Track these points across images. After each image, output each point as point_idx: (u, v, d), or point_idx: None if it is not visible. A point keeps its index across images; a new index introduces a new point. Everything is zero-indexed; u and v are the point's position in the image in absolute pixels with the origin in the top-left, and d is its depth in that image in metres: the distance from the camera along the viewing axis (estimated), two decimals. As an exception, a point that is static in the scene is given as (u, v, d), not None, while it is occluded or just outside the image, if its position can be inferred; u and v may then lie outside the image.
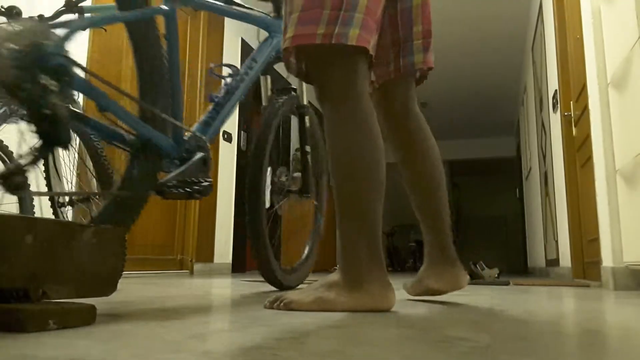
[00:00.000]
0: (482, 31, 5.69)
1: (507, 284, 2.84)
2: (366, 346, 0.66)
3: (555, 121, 3.99)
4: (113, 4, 2.08)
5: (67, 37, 1.03)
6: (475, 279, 3.11)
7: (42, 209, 2.12)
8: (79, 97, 1.81)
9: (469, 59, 6.44)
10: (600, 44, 2.45)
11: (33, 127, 0.95)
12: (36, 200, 2.08)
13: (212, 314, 1.04)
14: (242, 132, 5.23)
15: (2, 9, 1.94)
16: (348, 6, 1.15)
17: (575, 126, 3.26)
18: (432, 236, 1.42)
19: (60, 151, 2.06)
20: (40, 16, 1.98)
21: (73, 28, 1.07)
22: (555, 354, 0.63)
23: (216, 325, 0.86)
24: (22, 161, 0.96)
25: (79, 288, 0.84)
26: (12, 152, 2.12)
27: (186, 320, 0.91)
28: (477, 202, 12.29)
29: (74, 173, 2.23)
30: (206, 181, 1.46)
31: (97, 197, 1.88)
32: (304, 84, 2.05)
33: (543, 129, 4.87)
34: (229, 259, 4.75)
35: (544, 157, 4.92)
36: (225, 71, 1.80)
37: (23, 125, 1.55)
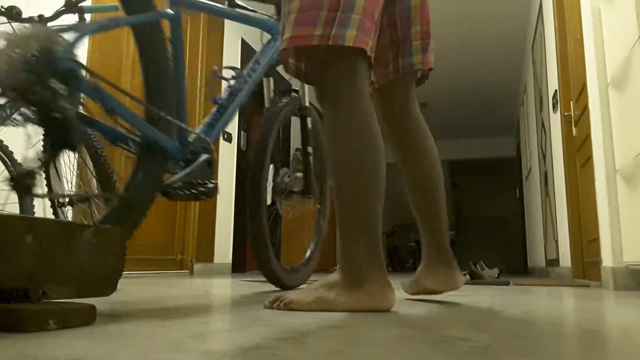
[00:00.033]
0: (482, 31, 5.69)
1: (507, 284, 2.84)
2: (366, 346, 0.66)
3: (555, 121, 3.99)
4: (113, 4, 2.09)
5: (76, 42, 1.05)
6: (475, 279, 3.11)
7: (46, 209, 2.12)
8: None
9: (469, 59, 6.44)
10: (600, 44, 2.45)
11: (43, 130, 0.97)
12: (37, 200, 2.08)
13: (212, 314, 1.04)
14: (242, 132, 5.24)
15: (2, 9, 1.93)
16: (345, 7, 1.16)
17: (575, 126, 3.26)
18: (430, 237, 1.44)
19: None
20: (40, 16, 1.98)
21: (82, 33, 1.09)
22: (555, 354, 0.63)
23: (216, 325, 0.86)
24: (32, 164, 0.98)
25: (79, 288, 0.84)
26: (12, 152, 2.13)
27: (186, 320, 0.91)
28: (477, 202, 12.29)
29: (74, 173, 2.23)
30: (211, 183, 1.48)
31: (99, 197, 1.88)
32: (306, 86, 2.06)
33: (543, 129, 4.87)
34: (229, 259, 4.75)
35: (544, 157, 4.92)
36: (228, 73, 1.81)
37: (27, 128, 1.56)
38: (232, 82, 1.76)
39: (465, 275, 3.18)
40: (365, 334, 0.77)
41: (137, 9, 1.28)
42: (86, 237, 0.85)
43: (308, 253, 2.22)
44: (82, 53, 3.10)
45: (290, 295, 1.15)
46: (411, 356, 0.59)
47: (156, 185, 1.31)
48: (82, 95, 1.08)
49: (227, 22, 4.85)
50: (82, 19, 1.99)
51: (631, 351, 0.67)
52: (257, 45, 5.45)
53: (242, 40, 5.18)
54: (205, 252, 4.38)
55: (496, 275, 3.24)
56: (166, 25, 1.38)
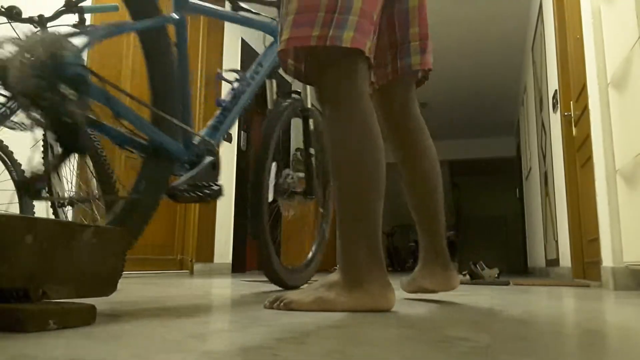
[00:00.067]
0: (482, 31, 5.69)
1: (507, 284, 2.84)
2: (366, 346, 0.66)
3: (555, 121, 3.99)
4: (113, 4, 2.09)
5: (85, 47, 1.06)
6: (475, 279, 3.11)
7: (47, 209, 2.12)
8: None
9: (469, 59, 6.44)
10: (600, 44, 2.45)
11: (53, 135, 0.99)
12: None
13: (212, 314, 1.04)
14: (242, 132, 5.24)
15: (2, 9, 1.93)
16: (342, 9, 1.16)
17: (575, 126, 3.26)
18: (429, 239, 1.46)
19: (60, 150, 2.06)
20: (40, 16, 1.98)
21: (90, 39, 1.10)
22: (555, 354, 0.63)
23: (216, 325, 0.86)
24: (42, 168, 0.99)
25: (79, 288, 0.84)
26: (12, 152, 2.13)
27: (186, 320, 0.91)
28: (477, 202, 12.29)
29: (74, 173, 2.23)
30: (216, 185, 1.51)
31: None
32: (308, 88, 2.07)
33: (543, 129, 4.87)
34: (229, 259, 4.75)
35: (544, 157, 4.92)
36: (231, 76, 1.83)
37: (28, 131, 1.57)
38: (235, 84, 1.77)
39: (465, 275, 3.18)
40: (365, 334, 0.77)
41: (143, 14, 1.30)
42: (86, 237, 0.85)
43: (310, 255, 2.23)
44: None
45: (290, 295, 1.15)
46: (411, 356, 0.59)
47: (162, 187, 1.33)
48: (90, 99, 1.10)
49: (227, 22, 4.85)
50: (82, 19, 1.99)
51: (631, 351, 0.67)
52: (257, 46, 5.46)
53: (242, 40, 5.19)
54: (205, 252, 4.37)
55: (496, 275, 3.24)
56: (171, 29, 1.40)
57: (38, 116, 0.95)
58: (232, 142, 4.89)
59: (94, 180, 1.91)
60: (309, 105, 2.12)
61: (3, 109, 1.78)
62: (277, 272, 1.88)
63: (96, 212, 2.04)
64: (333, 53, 1.19)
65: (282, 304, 1.12)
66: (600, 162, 2.44)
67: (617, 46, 2.20)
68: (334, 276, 1.16)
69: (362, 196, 1.16)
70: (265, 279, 2.90)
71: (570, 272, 3.49)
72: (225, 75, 1.85)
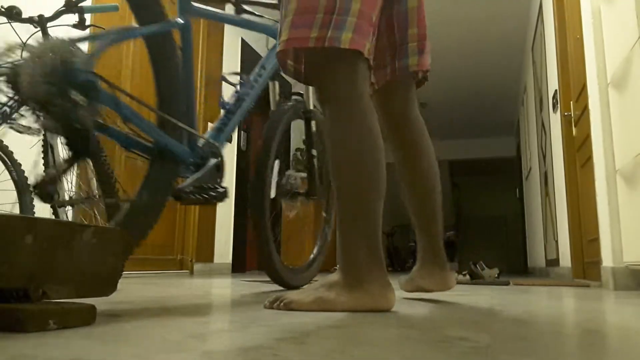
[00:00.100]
0: (482, 31, 5.69)
1: (507, 284, 2.84)
2: (366, 346, 0.66)
3: (555, 121, 3.99)
4: (113, 4, 2.09)
5: (94, 54, 1.08)
6: (475, 279, 3.11)
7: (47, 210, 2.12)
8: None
9: (469, 59, 6.44)
10: (600, 44, 2.45)
11: (63, 139, 1.02)
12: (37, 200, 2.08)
13: (212, 314, 1.04)
14: (242, 132, 5.24)
15: (2, 9, 1.94)
16: (341, 10, 1.17)
17: (575, 126, 3.26)
18: (427, 240, 1.48)
19: (60, 150, 2.06)
20: (40, 16, 1.98)
21: (100, 45, 1.13)
22: (555, 354, 0.63)
23: (216, 325, 0.86)
24: (53, 171, 1.01)
25: (79, 288, 0.84)
26: (12, 152, 2.12)
27: (186, 320, 0.91)
28: (477, 202, 12.29)
29: (74, 172, 2.23)
30: (222, 187, 1.54)
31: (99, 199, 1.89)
32: (310, 89, 2.09)
33: (543, 129, 4.87)
34: (229, 259, 4.75)
35: (544, 157, 4.92)
36: (234, 78, 1.85)
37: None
38: (238, 87, 1.81)
39: (465, 275, 3.18)
40: (365, 334, 0.77)
41: (149, 20, 1.32)
42: (86, 237, 0.85)
43: (312, 255, 2.24)
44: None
45: (290, 295, 1.15)
46: (411, 356, 0.59)
47: (168, 189, 1.36)
48: (100, 105, 1.13)
49: (227, 22, 4.85)
50: (82, 19, 1.99)
51: (631, 351, 0.67)
52: (257, 46, 5.46)
53: (242, 40, 5.19)
54: (205, 252, 4.37)
55: (496, 275, 3.24)
56: (176, 33, 1.43)
57: (49, 121, 0.97)
58: (232, 142, 4.89)
59: (94, 180, 1.91)
60: (311, 107, 2.14)
61: (4, 109, 1.78)
62: (278, 271, 1.89)
63: (96, 212, 2.04)
64: (332, 54, 1.19)
65: (282, 304, 1.12)
66: (600, 162, 2.44)
67: (617, 46, 2.20)
68: (334, 276, 1.16)
69: (362, 196, 1.16)
70: (265, 279, 2.91)
71: (570, 272, 3.49)
72: (229, 77, 1.86)
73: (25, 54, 0.97)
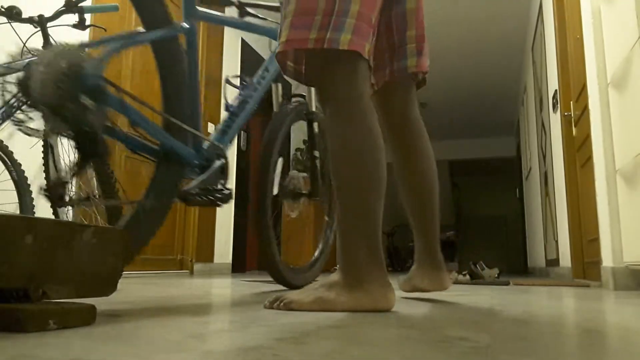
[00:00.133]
0: (482, 31, 5.69)
1: (507, 284, 2.84)
2: (366, 346, 0.66)
3: (555, 121, 3.99)
4: (113, 4, 2.09)
5: (103, 59, 1.10)
6: (475, 279, 3.11)
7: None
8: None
9: (469, 59, 6.44)
10: (600, 44, 2.45)
11: (73, 143, 1.04)
12: (37, 200, 2.08)
13: (212, 314, 1.04)
14: (242, 132, 5.24)
15: (2, 9, 1.94)
16: (339, 12, 1.17)
17: (575, 126, 3.26)
18: (424, 241, 1.49)
19: (60, 150, 2.06)
20: (40, 16, 1.98)
21: (108, 51, 1.14)
22: (555, 354, 0.63)
23: (216, 325, 0.86)
24: (64, 174, 1.04)
25: (79, 288, 0.84)
26: (12, 152, 2.12)
27: (186, 320, 0.91)
28: (477, 202, 12.29)
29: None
30: (227, 189, 1.57)
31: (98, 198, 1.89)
32: (313, 91, 2.11)
33: (543, 129, 4.87)
34: (229, 259, 4.75)
35: (544, 157, 4.92)
36: (237, 80, 1.87)
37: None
38: (242, 89, 1.83)
39: (465, 275, 3.18)
40: (365, 334, 0.77)
41: (156, 25, 1.34)
42: (86, 237, 0.85)
43: (314, 257, 2.26)
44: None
45: (290, 295, 1.15)
46: (411, 356, 0.59)
47: (173, 191, 1.38)
48: (108, 109, 1.16)
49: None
50: (82, 19, 1.99)
51: (631, 351, 0.67)
52: (257, 46, 5.46)
53: (242, 40, 5.19)
54: (205, 252, 4.37)
55: (496, 275, 3.24)
56: (181, 37, 1.45)
57: (59, 124, 1.00)
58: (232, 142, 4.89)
59: (94, 180, 1.91)
60: (314, 109, 2.16)
61: (4, 108, 1.78)
62: (281, 271, 1.90)
63: (96, 213, 2.04)
64: (331, 55, 1.19)
65: (282, 304, 1.12)
66: (600, 162, 2.44)
67: (617, 46, 2.20)
68: (334, 276, 1.16)
69: (362, 196, 1.16)
70: (265, 279, 2.91)
71: (570, 272, 3.49)
72: (232, 80, 1.89)
73: (36, 60, 0.99)
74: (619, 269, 2.26)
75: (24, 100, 1.05)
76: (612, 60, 2.29)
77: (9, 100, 1.79)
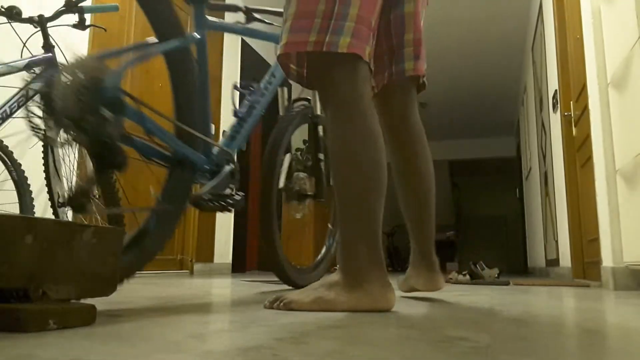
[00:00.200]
0: (482, 31, 5.69)
1: (507, 284, 2.84)
2: (366, 346, 0.66)
3: (555, 121, 3.99)
4: (113, 4, 2.09)
5: (122, 72, 1.12)
6: (475, 279, 3.11)
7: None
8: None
9: (469, 59, 6.44)
10: (600, 44, 2.45)
11: (92, 152, 1.07)
12: (37, 200, 2.08)
13: (212, 314, 1.04)
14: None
15: (2, 9, 1.94)
16: (338, 16, 1.17)
17: (575, 126, 3.26)
18: (419, 244, 1.52)
19: (61, 151, 2.06)
20: (40, 16, 1.98)
21: (126, 64, 1.17)
22: (555, 354, 0.63)
23: (216, 325, 0.86)
24: (85, 184, 1.06)
25: (79, 288, 0.84)
26: (12, 152, 2.12)
27: (186, 320, 0.91)
28: (477, 202, 12.28)
29: (74, 173, 2.23)
30: (238, 194, 1.61)
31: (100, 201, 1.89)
32: (317, 95, 2.13)
33: (543, 129, 4.87)
34: (229, 259, 4.75)
35: (544, 157, 4.92)
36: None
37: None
38: (249, 95, 1.86)
39: (465, 275, 3.18)
40: (365, 334, 0.77)
41: (169, 36, 1.37)
42: (86, 237, 0.85)
43: (318, 258, 2.28)
44: (83, 52, 3.10)
45: (290, 295, 1.15)
46: (411, 356, 0.59)
47: (186, 197, 1.41)
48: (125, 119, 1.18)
49: (227, 22, 4.85)
50: (82, 19, 1.99)
51: (631, 351, 0.67)
52: (257, 46, 5.45)
53: (242, 40, 5.18)
54: (205, 252, 4.37)
55: (496, 275, 3.23)
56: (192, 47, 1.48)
57: (79, 135, 1.02)
58: (232, 142, 4.90)
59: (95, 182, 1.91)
60: (318, 112, 2.19)
61: (4, 108, 1.78)
62: (286, 270, 1.92)
63: (96, 212, 2.04)
64: (331, 58, 1.20)
65: (282, 304, 1.12)
66: (600, 162, 2.44)
67: (617, 46, 2.20)
68: (334, 276, 1.16)
69: (362, 196, 1.16)
70: (265, 278, 2.91)
71: (570, 272, 3.49)
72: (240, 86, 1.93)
73: (57, 73, 1.02)
74: (619, 269, 2.26)
75: (46, 112, 1.08)
76: (612, 60, 2.29)
77: (8, 101, 1.79)
